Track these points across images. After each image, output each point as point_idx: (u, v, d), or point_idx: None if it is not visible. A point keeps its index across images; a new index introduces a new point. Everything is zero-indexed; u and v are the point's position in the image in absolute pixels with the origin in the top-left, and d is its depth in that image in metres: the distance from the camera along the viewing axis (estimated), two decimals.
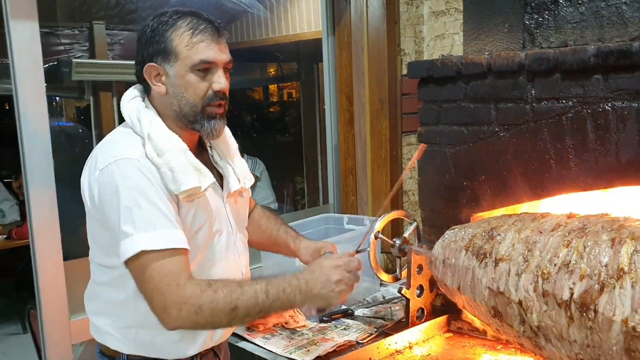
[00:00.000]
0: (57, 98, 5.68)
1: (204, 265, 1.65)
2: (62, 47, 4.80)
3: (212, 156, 1.78)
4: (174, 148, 1.55)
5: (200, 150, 1.75)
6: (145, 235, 1.45)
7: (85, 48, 4.99)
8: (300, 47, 5.49)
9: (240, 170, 1.80)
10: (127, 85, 5.11)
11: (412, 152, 3.00)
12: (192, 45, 1.55)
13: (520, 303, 1.71)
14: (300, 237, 2.06)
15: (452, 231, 2.01)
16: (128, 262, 1.48)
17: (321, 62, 3.30)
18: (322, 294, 1.61)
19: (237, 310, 1.48)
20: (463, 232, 1.95)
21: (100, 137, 4.94)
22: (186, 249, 1.50)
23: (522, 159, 1.99)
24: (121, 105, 1.65)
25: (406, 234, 2.32)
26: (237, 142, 1.89)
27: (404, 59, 2.90)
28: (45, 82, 2.19)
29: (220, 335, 1.75)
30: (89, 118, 5.11)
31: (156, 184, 1.51)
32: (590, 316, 1.53)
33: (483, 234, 1.87)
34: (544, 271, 1.65)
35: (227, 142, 1.82)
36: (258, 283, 1.53)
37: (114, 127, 3.77)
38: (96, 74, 4.77)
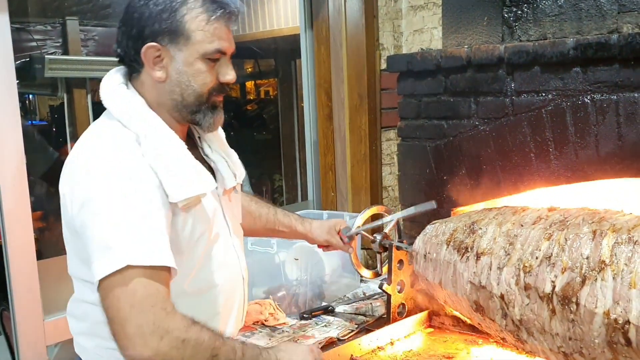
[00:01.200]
0: (30, 96, 5.57)
1: (204, 273, 1.48)
2: (34, 44, 4.70)
3: (202, 149, 1.59)
4: (174, 149, 1.37)
5: (190, 143, 1.53)
6: (133, 247, 1.23)
7: (58, 44, 4.88)
8: (278, 43, 5.45)
9: (233, 162, 1.62)
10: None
11: (392, 147, 2.99)
12: (209, 31, 1.36)
13: (502, 297, 1.70)
14: (307, 219, 2.02)
15: (433, 226, 2.00)
16: (105, 279, 1.23)
17: (299, 59, 3.27)
18: None
19: (217, 359, 1.26)
20: (444, 227, 1.94)
21: (74, 135, 4.83)
22: (174, 269, 1.29)
23: (502, 153, 1.99)
24: (103, 92, 1.42)
25: (387, 230, 2.31)
26: None
27: (383, 54, 2.88)
28: (17, 79, 2.13)
29: None
30: (63, 116, 5.02)
31: (152, 191, 1.31)
32: (572, 309, 1.53)
33: (464, 228, 1.86)
34: (526, 264, 1.65)
35: (216, 131, 1.60)
36: (235, 341, 1.38)
37: (89, 125, 3.63)
38: (70, 70, 4.66)
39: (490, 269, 1.73)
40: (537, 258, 1.63)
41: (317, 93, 3.12)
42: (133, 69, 1.42)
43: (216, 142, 1.61)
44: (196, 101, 1.41)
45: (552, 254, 1.60)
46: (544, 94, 1.87)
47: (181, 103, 1.41)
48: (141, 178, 1.31)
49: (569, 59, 1.77)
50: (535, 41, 1.88)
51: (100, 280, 1.23)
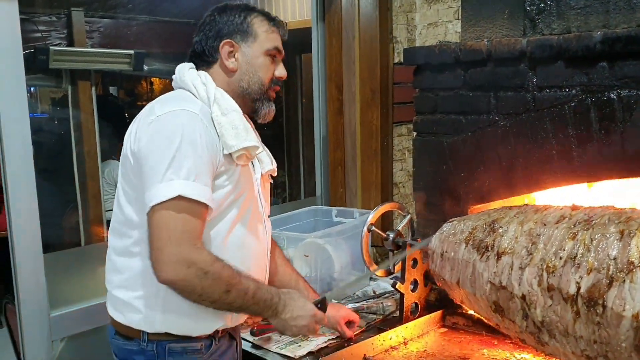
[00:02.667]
0: (32, 88, 5.50)
1: (240, 232, 1.67)
2: (39, 34, 4.63)
3: None
4: (238, 109, 1.63)
5: None
6: (186, 182, 1.47)
7: (63, 35, 4.81)
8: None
9: (268, 152, 1.86)
10: (107, 74, 4.90)
11: (403, 143, 2.94)
12: (269, 33, 1.70)
13: (523, 297, 1.65)
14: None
15: (451, 224, 1.95)
16: (157, 206, 1.47)
17: (305, 54, 3.22)
18: (287, 324, 1.69)
19: (229, 294, 1.52)
20: (463, 225, 1.89)
21: (78, 128, 4.75)
22: (211, 209, 1.54)
23: (523, 150, 1.94)
24: (179, 74, 1.69)
25: (399, 227, 2.26)
26: None
27: (396, 47, 2.83)
28: None
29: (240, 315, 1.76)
30: (67, 108, 4.95)
31: (209, 142, 1.54)
32: (598, 311, 1.48)
33: (484, 226, 1.81)
34: (549, 265, 1.60)
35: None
36: (251, 281, 1.59)
37: (93, 117, 3.64)
38: (74, 62, 4.59)
39: (512, 269, 1.68)
40: (561, 258, 1.58)
41: (327, 87, 3.07)
42: (207, 62, 1.70)
43: (257, 136, 1.82)
44: (259, 90, 1.70)
45: (577, 254, 1.55)
46: (567, 90, 1.81)
47: (247, 90, 1.69)
48: (202, 130, 1.54)
49: (595, 53, 1.71)
50: (560, 35, 1.82)
51: (154, 206, 1.46)
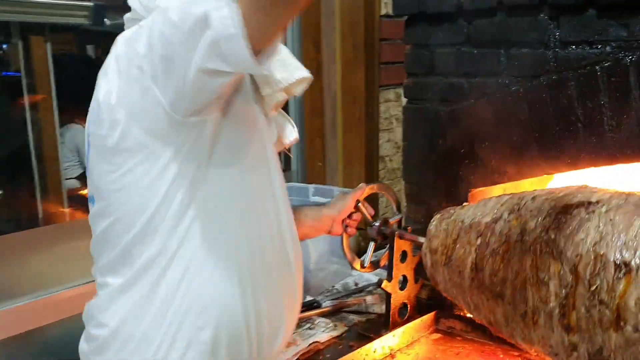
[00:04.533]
0: (5, 45, 5.17)
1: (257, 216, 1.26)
2: None
3: None
4: None
5: None
6: None
7: None
8: None
9: None
10: (63, 28, 4.46)
11: (391, 110, 2.66)
12: None
13: None
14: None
15: (441, 221, 1.66)
16: None
17: None
18: None
19: None
20: (457, 225, 1.58)
21: (31, 87, 4.33)
22: None
23: (540, 121, 1.69)
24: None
25: (392, 220, 1.95)
26: None
27: None
28: None
29: None
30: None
31: None
32: None
33: (485, 229, 1.50)
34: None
35: None
36: None
37: (49, 76, 3.28)
38: (25, 14, 4.24)
39: None
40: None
41: (303, 44, 2.76)
42: None
43: None
44: None
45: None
46: (599, 46, 1.54)
47: None
48: None
49: None
50: None
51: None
